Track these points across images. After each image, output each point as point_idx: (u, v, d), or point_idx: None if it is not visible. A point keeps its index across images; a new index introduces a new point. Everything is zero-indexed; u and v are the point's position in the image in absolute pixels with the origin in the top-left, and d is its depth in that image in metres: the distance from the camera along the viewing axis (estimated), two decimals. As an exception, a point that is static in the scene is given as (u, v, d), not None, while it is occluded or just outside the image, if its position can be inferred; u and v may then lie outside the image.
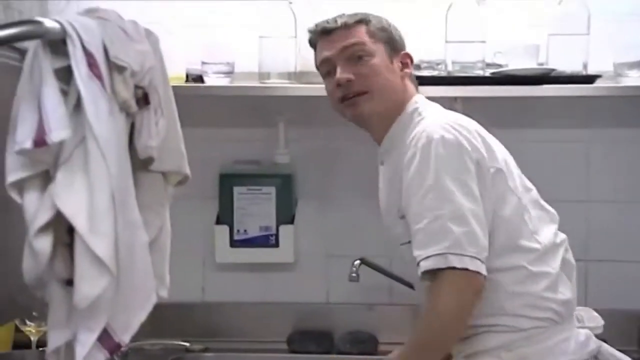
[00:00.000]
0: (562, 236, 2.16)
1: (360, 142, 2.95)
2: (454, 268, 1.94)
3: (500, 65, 2.72)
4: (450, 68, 2.72)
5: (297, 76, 2.79)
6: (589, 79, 2.65)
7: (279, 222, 2.95)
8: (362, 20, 2.26)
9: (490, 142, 2.13)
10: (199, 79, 2.77)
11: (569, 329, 2.05)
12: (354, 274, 2.83)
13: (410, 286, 2.87)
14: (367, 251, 2.89)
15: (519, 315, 2.03)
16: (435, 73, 2.73)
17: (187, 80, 2.79)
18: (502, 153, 2.14)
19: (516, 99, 2.73)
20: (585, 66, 2.67)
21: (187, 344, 2.88)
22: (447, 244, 1.96)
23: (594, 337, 2.09)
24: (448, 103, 2.82)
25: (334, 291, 3.00)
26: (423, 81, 2.68)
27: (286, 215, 2.96)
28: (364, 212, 2.99)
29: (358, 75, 2.22)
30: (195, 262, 3.00)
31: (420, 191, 2.00)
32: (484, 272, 1.97)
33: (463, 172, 2.01)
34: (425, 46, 2.76)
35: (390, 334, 2.92)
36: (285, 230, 2.95)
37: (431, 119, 2.15)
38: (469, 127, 2.10)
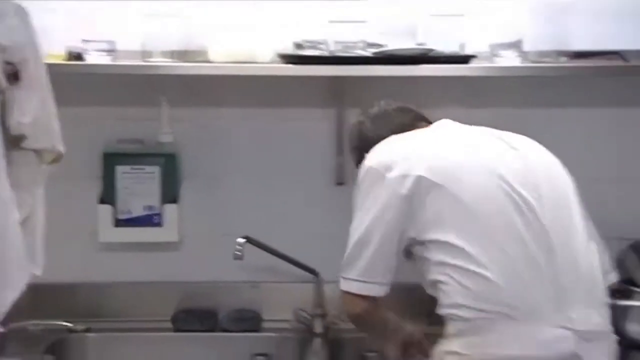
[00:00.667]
0: (525, 231, 2.10)
1: (245, 122, 2.99)
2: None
3: (381, 45, 2.76)
4: (332, 47, 2.75)
5: (181, 55, 2.78)
6: (465, 59, 2.71)
7: (163, 202, 2.95)
8: None
9: (415, 150, 2.21)
10: (80, 57, 2.74)
11: (529, 324, 2.02)
12: (238, 252, 2.84)
13: (296, 264, 2.91)
14: (252, 230, 2.91)
15: (466, 306, 2.06)
16: (317, 53, 2.75)
17: (67, 59, 2.75)
18: (432, 159, 2.17)
19: (396, 79, 2.78)
20: (462, 47, 2.73)
21: (69, 325, 2.85)
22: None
23: (571, 341, 2.03)
24: (330, 82, 2.90)
25: (218, 270, 3.00)
26: (305, 61, 2.73)
27: (170, 194, 2.96)
28: (248, 191, 3.01)
29: None
30: (78, 242, 2.97)
31: None
32: (364, 292, 2.21)
33: (368, 197, 2.19)
34: (308, 26, 2.79)
35: (274, 311, 2.95)
36: (169, 210, 2.94)
37: None
38: (399, 153, 2.21)
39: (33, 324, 2.84)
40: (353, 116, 2.93)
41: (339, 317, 2.87)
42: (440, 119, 2.83)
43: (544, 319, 2.04)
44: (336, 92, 2.95)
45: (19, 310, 2.62)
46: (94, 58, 2.73)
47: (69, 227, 2.92)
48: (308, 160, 2.99)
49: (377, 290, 2.21)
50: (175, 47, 2.77)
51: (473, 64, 2.72)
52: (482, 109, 2.93)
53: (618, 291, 2.75)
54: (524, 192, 2.13)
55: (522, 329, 2.02)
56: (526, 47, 2.74)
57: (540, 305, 2.04)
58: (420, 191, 2.12)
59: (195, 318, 2.93)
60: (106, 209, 2.93)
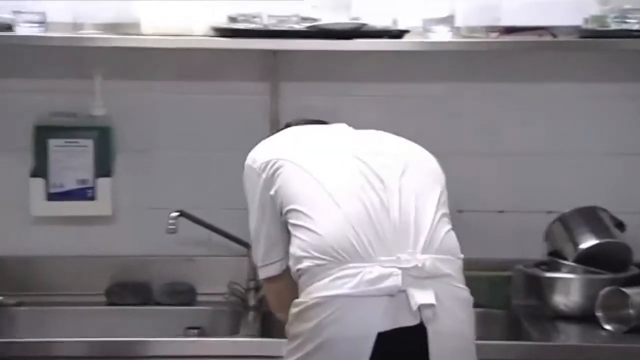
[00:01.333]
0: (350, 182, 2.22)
1: (179, 95, 2.99)
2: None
3: (315, 20, 2.76)
4: (266, 21, 2.75)
5: (113, 27, 2.76)
6: (398, 34, 2.73)
7: (97, 175, 2.94)
8: None
9: (279, 142, 2.36)
10: (9, 28, 2.70)
11: (355, 267, 2.12)
12: (171, 226, 2.83)
13: (231, 238, 2.92)
14: (186, 203, 2.91)
15: (303, 257, 2.18)
16: (252, 26, 2.75)
17: (-3, 30, 2.72)
18: (292, 150, 2.29)
19: (330, 53, 2.79)
20: (395, 22, 2.75)
21: (0, 298, 2.84)
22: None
23: (398, 277, 2.10)
24: (264, 55, 2.91)
25: (152, 244, 2.99)
26: (240, 34, 2.73)
27: (104, 168, 2.95)
28: (183, 164, 3.01)
29: None
30: (9, 215, 2.95)
31: None
32: (270, 272, 2.32)
33: (247, 189, 2.35)
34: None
35: (209, 285, 2.96)
36: (102, 183, 2.93)
37: None
38: (265, 145, 2.36)
39: (-36, 298, 2.83)
40: (287, 90, 2.97)
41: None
42: (374, 93, 2.88)
43: (373, 262, 2.13)
44: (270, 66, 2.95)
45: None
46: (24, 29, 2.70)
47: (0, 200, 2.90)
48: (242, 134, 2.98)
49: (276, 268, 2.32)
50: (107, 20, 2.75)
51: (406, 38, 2.74)
52: (414, 84, 2.96)
53: (545, 263, 2.82)
54: (374, 167, 2.23)
55: (351, 271, 2.12)
56: (458, 22, 2.77)
57: (371, 252, 2.13)
58: (273, 171, 2.25)
59: (129, 291, 2.92)
60: (38, 182, 2.91)
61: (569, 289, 2.71)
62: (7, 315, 2.84)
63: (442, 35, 2.75)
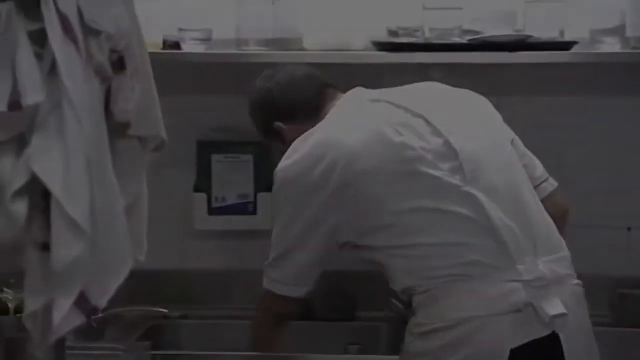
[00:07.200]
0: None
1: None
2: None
3: (477, 32, 2.73)
4: (427, 34, 2.73)
5: (275, 43, 2.79)
6: (566, 46, 2.66)
7: (257, 190, 2.96)
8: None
9: (355, 147, 2.18)
10: (176, 45, 2.76)
11: (480, 283, 2.09)
12: (332, 241, 2.83)
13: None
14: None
15: (411, 286, 2.17)
16: (412, 40, 2.73)
17: (163, 47, 2.78)
18: (371, 151, 2.17)
19: (493, 66, 2.74)
20: (561, 33, 2.69)
21: (165, 311, 2.88)
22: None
23: (522, 292, 2.07)
24: (425, 69, 2.88)
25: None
26: (400, 48, 2.71)
27: (264, 182, 2.96)
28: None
29: None
30: (173, 229, 3.00)
31: None
32: (293, 294, 2.34)
33: (292, 205, 2.28)
34: (403, 12, 2.77)
35: (368, 300, 2.93)
36: (263, 198, 2.95)
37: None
38: (316, 151, 2.22)
39: (129, 310, 2.88)
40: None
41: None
42: (538, 108, 2.81)
43: (493, 275, 2.09)
44: (433, 80, 2.90)
45: (115, 296, 2.68)
46: (189, 46, 2.75)
47: (163, 214, 2.93)
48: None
49: (301, 291, 2.35)
50: (269, 35, 2.77)
51: (573, 50, 2.67)
52: (581, 97, 2.87)
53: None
54: (443, 165, 2.14)
55: (474, 288, 2.08)
56: (628, 32, 2.68)
57: (486, 264, 2.09)
58: (340, 193, 2.17)
59: (289, 306, 2.93)
60: (201, 197, 2.95)
61: None
62: (171, 328, 2.89)
63: (611, 46, 2.67)
